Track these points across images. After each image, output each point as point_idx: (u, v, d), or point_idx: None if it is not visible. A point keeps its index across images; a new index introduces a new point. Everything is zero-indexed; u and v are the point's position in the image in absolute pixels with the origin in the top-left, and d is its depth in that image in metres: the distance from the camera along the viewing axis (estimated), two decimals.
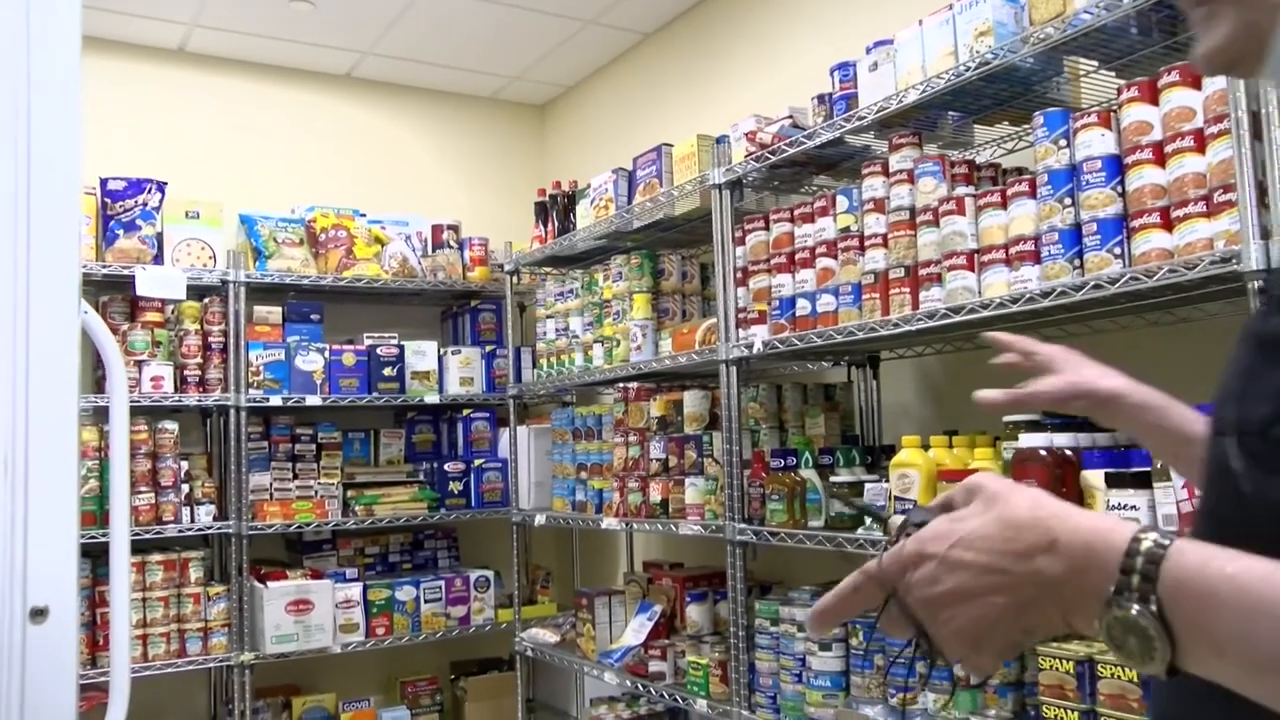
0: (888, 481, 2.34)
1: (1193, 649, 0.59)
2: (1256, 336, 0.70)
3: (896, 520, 0.72)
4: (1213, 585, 0.58)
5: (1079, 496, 1.90)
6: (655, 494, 3.11)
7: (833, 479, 2.55)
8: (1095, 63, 2.17)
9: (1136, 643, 0.60)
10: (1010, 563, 0.64)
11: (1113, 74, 2.17)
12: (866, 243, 2.42)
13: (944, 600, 0.66)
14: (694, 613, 3.10)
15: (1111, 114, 1.94)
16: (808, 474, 2.60)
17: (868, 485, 2.44)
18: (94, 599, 3.40)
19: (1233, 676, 0.59)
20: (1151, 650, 0.59)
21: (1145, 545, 0.61)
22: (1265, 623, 0.56)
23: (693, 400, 3.06)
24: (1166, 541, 0.60)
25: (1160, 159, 1.84)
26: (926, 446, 2.23)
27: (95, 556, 3.32)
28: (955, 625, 0.66)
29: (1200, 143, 1.78)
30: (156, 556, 3.58)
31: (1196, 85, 1.80)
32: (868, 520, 0.70)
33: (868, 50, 2.46)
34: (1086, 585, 0.62)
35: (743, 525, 2.72)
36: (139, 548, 3.52)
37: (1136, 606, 0.59)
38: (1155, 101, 1.85)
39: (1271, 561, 0.58)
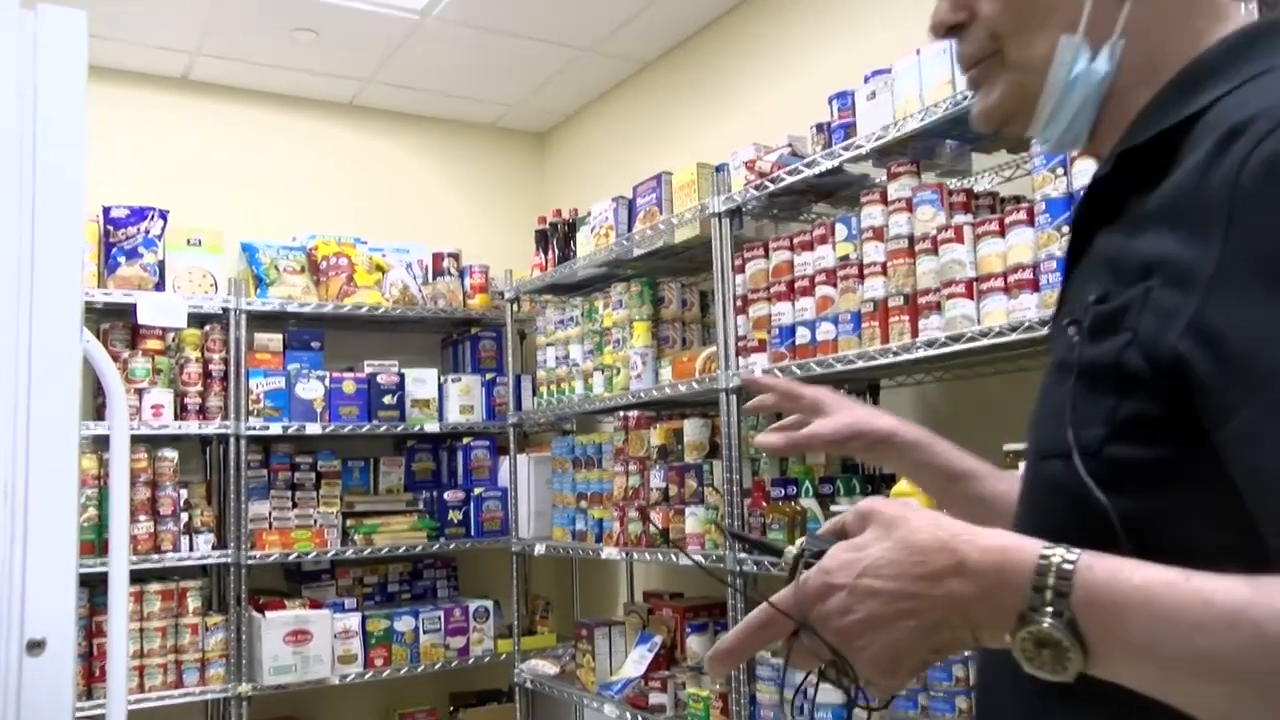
0: None
1: (1105, 657, 0.62)
2: (1076, 367, 0.74)
3: (791, 551, 0.72)
4: (1123, 595, 0.61)
5: None
6: (655, 523, 3.10)
7: (834, 508, 2.55)
8: None
9: (1050, 654, 0.62)
10: (921, 587, 0.66)
11: None
12: (866, 271, 2.43)
13: (857, 629, 0.67)
14: (695, 644, 3.08)
15: None
16: (808, 503, 2.60)
17: None
18: (90, 629, 3.37)
19: (1141, 679, 0.62)
20: (1065, 660, 0.62)
21: (1055, 562, 0.63)
22: (1171, 628, 0.59)
23: (693, 429, 3.06)
24: (1074, 557, 0.63)
25: None
26: None
27: (93, 586, 3.30)
28: (871, 652, 0.67)
29: None
30: (154, 586, 3.56)
31: None
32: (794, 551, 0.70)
33: (866, 79, 2.48)
34: (998, 604, 0.64)
35: (743, 555, 2.71)
36: (137, 577, 3.50)
37: (1049, 621, 0.62)
38: None
39: (1171, 569, 0.61)
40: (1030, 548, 0.64)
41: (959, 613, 0.66)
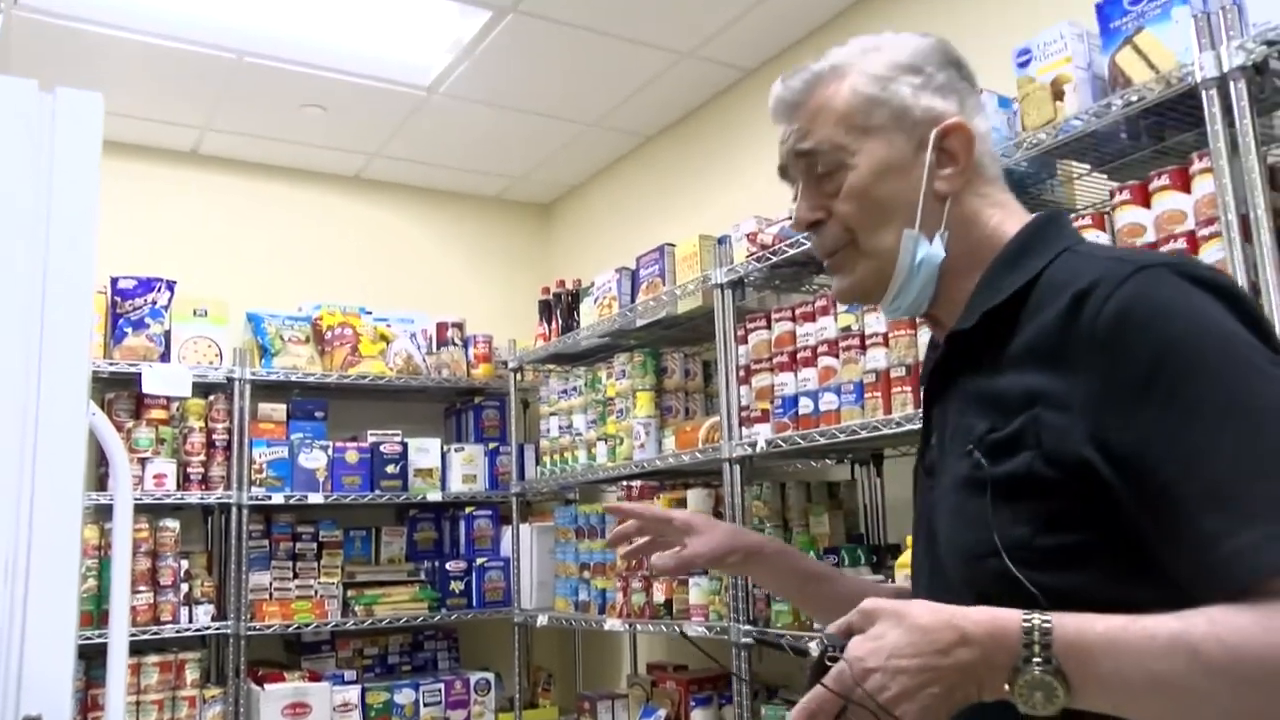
0: (894, 581, 2.31)
1: (1084, 691, 0.79)
2: (989, 483, 0.92)
3: (815, 650, 0.87)
4: (1091, 641, 0.79)
5: None
6: (659, 594, 3.07)
7: None
8: (1088, 166, 2.22)
9: (1042, 695, 0.79)
10: (937, 660, 0.81)
11: (1105, 176, 2.22)
12: (867, 342, 2.44)
13: (895, 701, 0.81)
14: (699, 717, 3.03)
15: (1105, 216, 1.97)
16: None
17: None
18: (86, 702, 3.33)
19: (1114, 704, 0.80)
20: (1055, 698, 0.79)
21: (1036, 623, 0.80)
22: (1129, 660, 0.78)
23: (696, 499, 3.05)
24: (1048, 619, 0.80)
25: None
26: None
27: (90, 658, 3.27)
28: (915, 717, 0.81)
29: (1193, 244, 1.81)
30: (153, 657, 3.52)
31: (1186, 189, 1.84)
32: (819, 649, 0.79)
33: None
34: (996, 663, 0.80)
35: (748, 626, 2.68)
36: (135, 648, 3.47)
37: (1039, 669, 0.79)
38: (1147, 204, 1.89)
39: (1119, 616, 0.80)
40: (1011, 616, 0.82)
41: (968, 674, 0.81)
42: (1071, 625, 0.80)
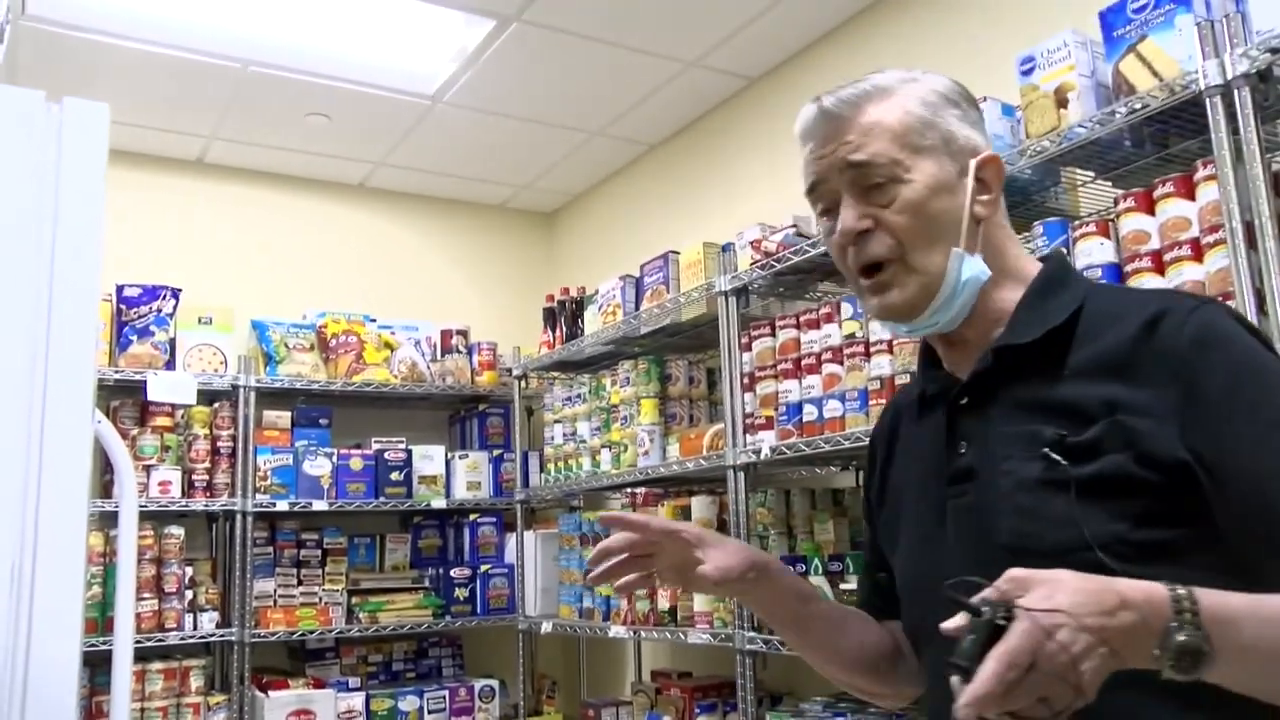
0: None
1: (1225, 656, 0.83)
2: (1073, 483, 0.98)
3: (986, 612, 0.84)
4: (1233, 611, 0.85)
5: None
6: (663, 601, 3.07)
7: (843, 586, 2.52)
8: (1092, 173, 2.22)
9: (1190, 659, 0.82)
10: (1105, 620, 0.82)
11: (1109, 184, 2.22)
12: (872, 349, 2.44)
13: (1081, 658, 0.80)
14: None
15: (1110, 223, 1.97)
16: (818, 581, 2.57)
17: None
18: (91, 709, 3.33)
19: (1249, 670, 0.86)
20: (1200, 661, 0.82)
21: (1182, 593, 0.84)
22: (1268, 628, 0.85)
23: (700, 506, 3.05)
24: (1185, 589, 0.84)
25: (1159, 267, 1.86)
26: None
27: (94, 665, 3.27)
28: (1088, 677, 0.81)
29: (1198, 252, 1.81)
30: (157, 665, 3.52)
31: (1191, 196, 1.83)
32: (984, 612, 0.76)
33: None
34: (1150, 627, 0.83)
35: (752, 633, 2.68)
36: (139, 655, 3.47)
37: (1188, 634, 0.82)
38: (1152, 211, 1.89)
39: (1246, 595, 0.87)
40: (1157, 586, 0.85)
41: (1128, 637, 0.83)
42: (1213, 596, 0.85)
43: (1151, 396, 0.97)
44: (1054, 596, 0.82)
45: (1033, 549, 0.97)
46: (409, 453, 4.07)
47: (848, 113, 1.13)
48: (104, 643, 3.14)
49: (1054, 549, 0.96)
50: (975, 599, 0.84)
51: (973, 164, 1.12)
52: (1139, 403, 0.98)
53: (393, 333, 4.24)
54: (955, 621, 0.84)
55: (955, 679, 0.81)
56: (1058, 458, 0.99)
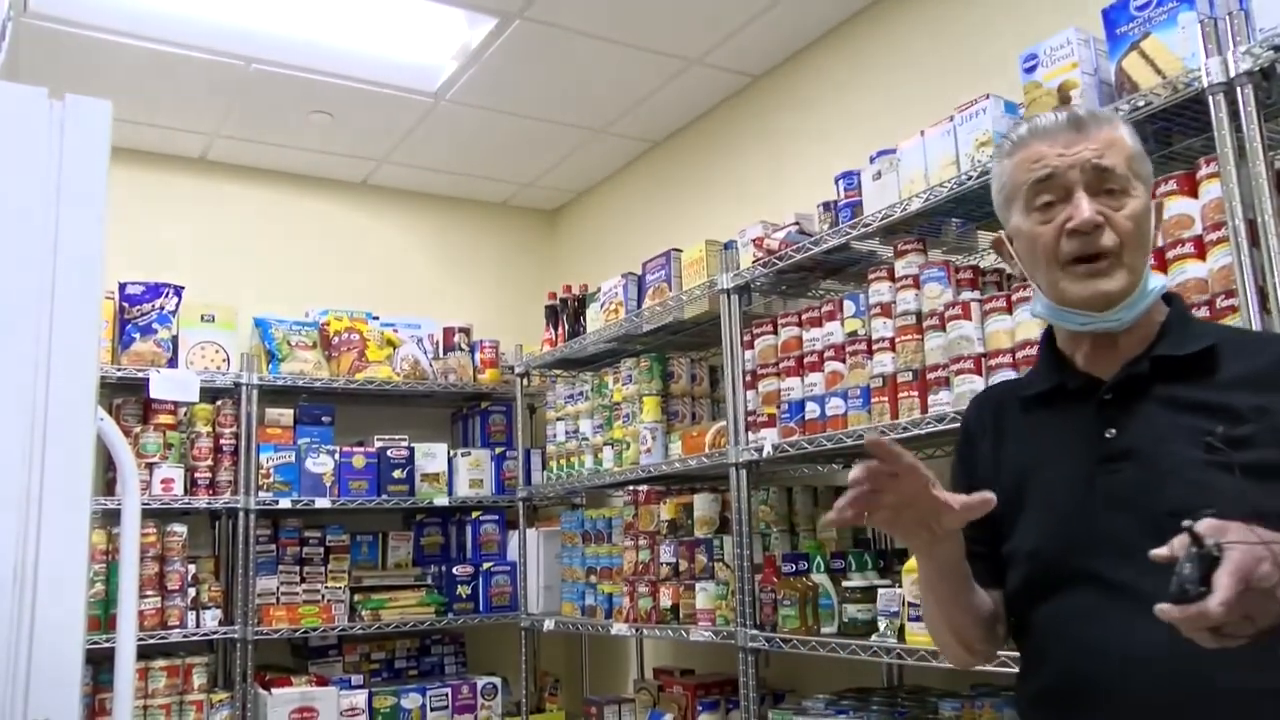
0: (900, 586, 2.31)
1: None
2: (1237, 467, 1.14)
3: (1210, 543, 1.00)
4: None
5: None
6: (666, 599, 3.07)
7: (845, 584, 2.52)
8: None
9: None
10: None
11: None
12: (874, 347, 2.44)
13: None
14: None
15: None
16: (820, 579, 2.58)
17: (880, 590, 2.41)
18: (94, 707, 3.34)
19: None
20: None
21: None
22: None
23: (703, 503, 3.05)
24: None
25: (1162, 265, 1.86)
26: None
27: (98, 663, 3.27)
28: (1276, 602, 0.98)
29: (1200, 249, 1.81)
30: (160, 662, 3.53)
31: (1194, 193, 1.83)
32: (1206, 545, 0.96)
33: (871, 160, 2.52)
34: None
35: (754, 631, 2.68)
36: (142, 653, 3.47)
37: None
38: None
39: None
40: None
41: None
42: None
43: None
44: (1249, 535, 1.00)
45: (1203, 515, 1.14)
46: (411, 450, 4.07)
47: (1093, 124, 1.32)
48: (107, 640, 3.15)
49: (1224, 516, 1.09)
50: (1199, 526, 1.00)
51: (1152, 203, 1.34)
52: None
53: (395, 330, 4.24)
54: (1164, 551, 1.02)
55: (1162, 608, 0.98)
56: (1220, 445, 1.18)
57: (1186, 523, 1.01)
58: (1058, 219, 1.30)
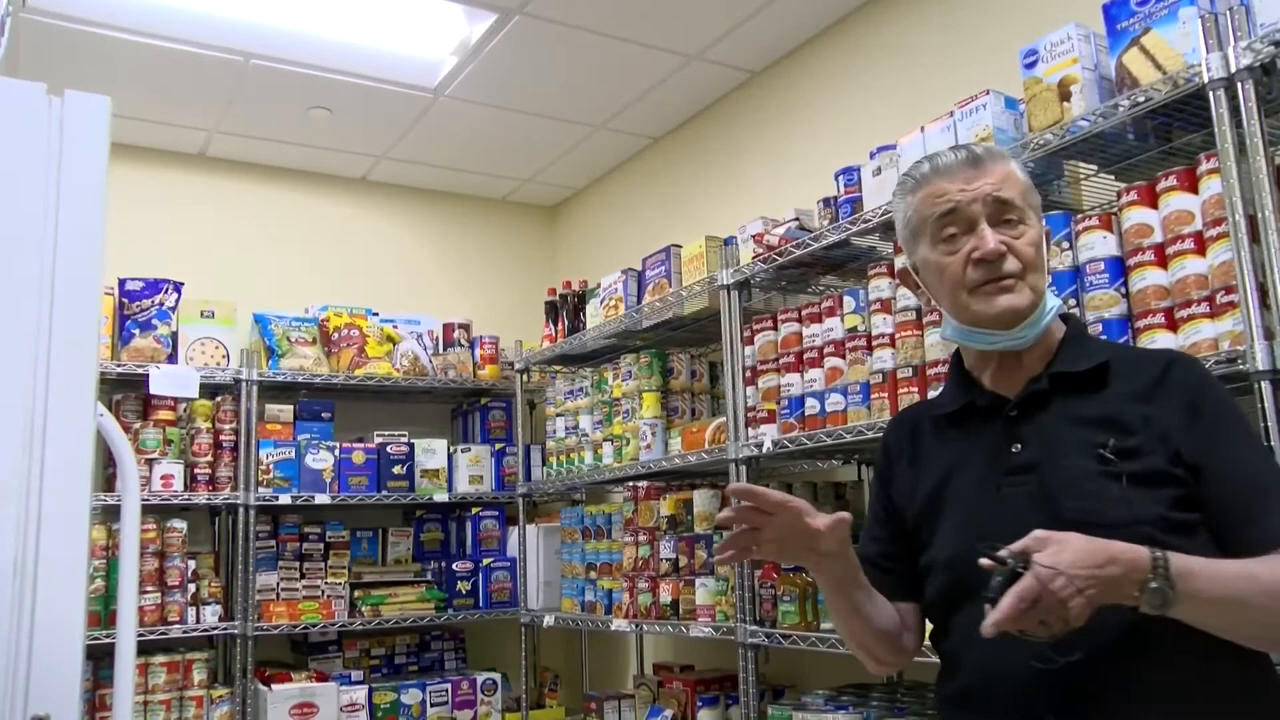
0: None
1: (1186, 600, 1.16)
2: (1124, 475, 1.30)
3: (1009, 564, 1.16)
4: (1195, 568, 1.18)
5: None
6: (665, 595, 3.07)
7: None
8: (1094, 167, 2.21)
9: (1160, 598, 1.15)
10: (1096, 571, 1.14)
11: (1112, 177, 2.22)
12: (874, 342, 2.44)
13: (1071, 597, 1.13)
14: (706, 718, 3.03)
15: (1112, 216, 1.97)
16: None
17: None
18: (94, 702, 3.34)
19: (1203, 613, 1.19)
20: (1167, 601, 1.15)
21: (1159, 554, 1.17)
22: (1220, 582, 1.19)
23: (703, 499, 3.05)
24: (1162, 552, 1.17)
25: (1162, 261, 1.86)
26: None
27: (98, 659, 3.28)
28: (1075, 610, 1.13)
29: (1200, 245, 1.80)
30: (160, 658, 3.53)
31: (1194, 189, 1.83)
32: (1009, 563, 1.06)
33: (871, 155, 2.52)
34: (1132, 578, 1.16)
35: (754, 627, 2.69)
36: (142, 649, 3.47)
37: (1160, 582, 1.15)
38: (1155, 205, 1.89)
39: (1213, 559, 1.22)
40: (1141, 548, 1.17)
41: (1111, 584, 1.15)
42: (1180, 558, 1.18)
43: (1167, 415, 1.32)
44: (1060, 554, 1.14)
45: (1096, 522, 1.23)
46: (411, 446, 4.07)
47: (989, 160, 1.42)
48: (107, 636, 3.13)
49: (1114, 523, 1.25)
50: (1003, 553, 1.17)
51: (1044, 229, 1.46)
52: (1162, 420, 1.32)
53: (395, 326, 4.24)
54: (988, 561, 1.17)
55: (986, 605, 1.14)
56: (1111, 456, 1.30)
57: (983, 545, 1.19)
58: (964, 249, 1.40)
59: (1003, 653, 1.26)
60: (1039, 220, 1.44)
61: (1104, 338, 1.88)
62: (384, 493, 3.98)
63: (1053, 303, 1.44)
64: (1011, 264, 1.38)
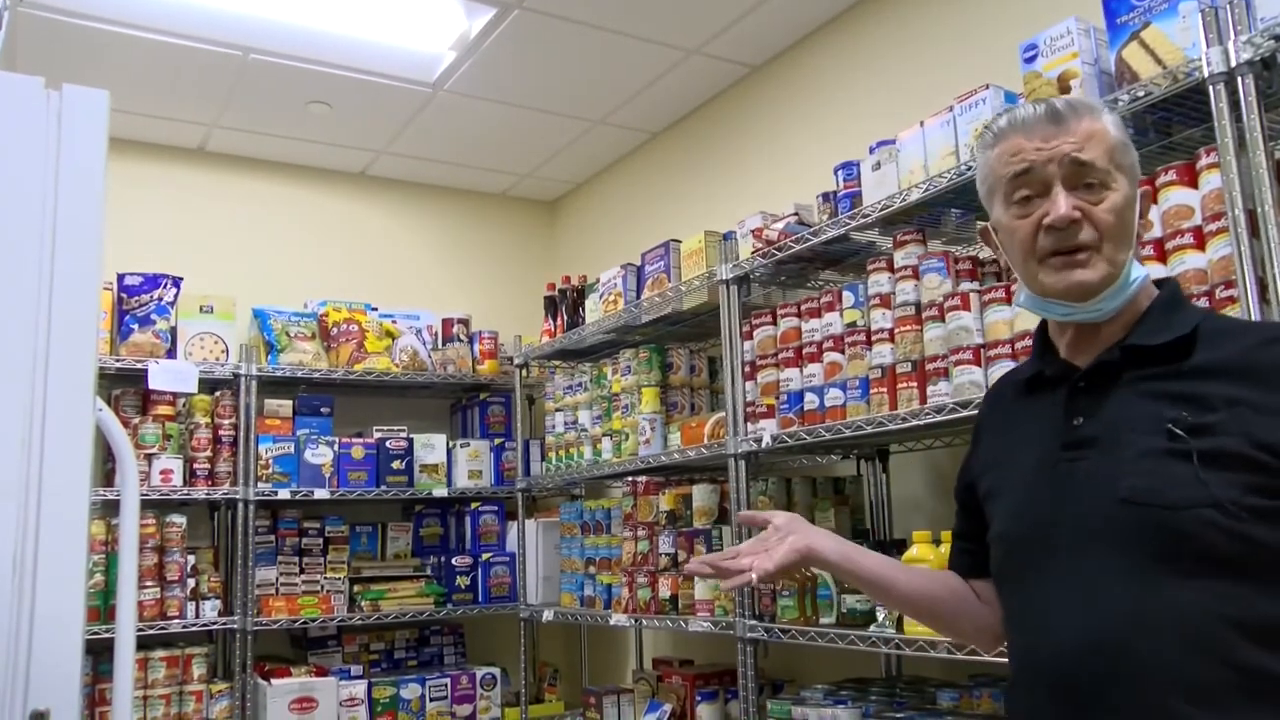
0: None
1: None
2: (1195, 453, 1.18)
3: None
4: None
5: None
6: (665, 590, 3.08)
7: None
8: None
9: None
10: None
11: None
12: (873, 337, 2.44)
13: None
14: (705, 712, 3.03)
15: None
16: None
17: None
18: (94, 697, 3.34)
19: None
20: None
21: None
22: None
23: (702, 494, 3.05)
24: None
25: (1162, 255, 1.86)
26: (938, 541, 2.21)
27: (97, 654, 3.28)
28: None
29: (1200, 240, 1.80)
30: (159, 653, 3.53)
31: (1194, 184, 1.83)
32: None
33: (870, 150, 2.52)
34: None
35: (753, 622, 2.69)
36: (141, 644, 3.48)
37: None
38: (1154, 199, 1.89)
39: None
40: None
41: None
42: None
43: (1262, 396, 1.19)
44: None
45: (1153, 503, 1.18)
46: (410, 441, 4.07)
47: (1072, 117, 1.30)
48: (106, 631, 3.15)
49: (1173, 504, 1.17)
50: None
51: (1138, 193, 1.33)
52: (1256, 400, 1.19)
53: (394, 321, 4.24)
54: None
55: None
56: (1181, 433, 1.19)
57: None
58: (1035, 214, 1.30)
59: (1042, 637, 1.24)
60: (1130, 183, 1.31)
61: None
62: (383, 488, 3.98)
63: (1138, 273, 1.31)
64: (1087, 233, 1.28)
